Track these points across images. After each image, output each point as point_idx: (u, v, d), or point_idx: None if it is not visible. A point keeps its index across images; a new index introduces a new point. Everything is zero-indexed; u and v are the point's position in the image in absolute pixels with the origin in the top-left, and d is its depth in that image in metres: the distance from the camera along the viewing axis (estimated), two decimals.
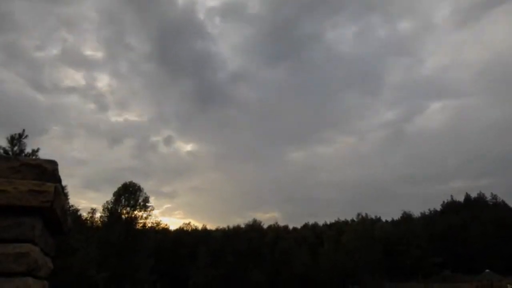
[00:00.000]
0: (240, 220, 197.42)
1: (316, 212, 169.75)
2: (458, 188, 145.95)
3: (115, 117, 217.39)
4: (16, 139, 25.43)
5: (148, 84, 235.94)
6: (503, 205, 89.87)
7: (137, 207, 59.90)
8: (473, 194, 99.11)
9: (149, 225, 62.68)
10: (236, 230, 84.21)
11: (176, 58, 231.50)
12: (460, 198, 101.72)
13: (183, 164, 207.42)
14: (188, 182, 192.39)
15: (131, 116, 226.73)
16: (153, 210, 62.13)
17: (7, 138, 25.33)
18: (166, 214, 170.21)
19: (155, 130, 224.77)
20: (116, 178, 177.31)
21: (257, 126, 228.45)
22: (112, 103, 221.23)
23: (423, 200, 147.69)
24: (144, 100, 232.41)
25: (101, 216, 60.22)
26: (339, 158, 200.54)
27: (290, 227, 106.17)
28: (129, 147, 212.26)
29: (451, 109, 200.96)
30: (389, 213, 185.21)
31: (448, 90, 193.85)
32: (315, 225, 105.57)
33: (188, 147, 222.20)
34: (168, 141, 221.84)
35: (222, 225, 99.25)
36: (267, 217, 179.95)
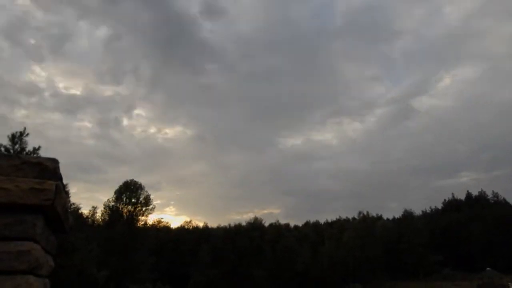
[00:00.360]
0: (237, 216, 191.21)
1: (317, 208, 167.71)
2: (466, 181, 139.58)
3: (55, 73, 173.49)
4: (17, 137, 25.50)
5: (84, 15, 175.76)
6: (504, 203, 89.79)
7: (138, 205, 60.01)
8: (476, 191, 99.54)
9: (150, 223, 62.86)
10: (237, 228, 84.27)
11: None
12: (462, 196, 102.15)
13: (160, 149, 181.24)
14: (171, 172, 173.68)
15: (77, 71, 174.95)
16: (154, 208, 62.31)
17: (8, 136, 25.44)
18: (157, 211, 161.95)
19: (115, 101, 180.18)
20: (86, 165, 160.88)
21: (244, 98, 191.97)
22: (46, 51, 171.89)
23: (427, 195, 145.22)
24: (86, 42, 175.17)
25: (102, 215, 60.47)
26: (338, 145, 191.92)
27: (292, 225, 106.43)
28: (88, 122, 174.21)
29: (466, 80, 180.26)
30: (390, 211, 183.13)
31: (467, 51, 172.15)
32: (316, 223, 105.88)
33: (161, 126, 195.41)
34: (129, 112, 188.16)
35: (223, 223, 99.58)
36: (266, 213, 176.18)
